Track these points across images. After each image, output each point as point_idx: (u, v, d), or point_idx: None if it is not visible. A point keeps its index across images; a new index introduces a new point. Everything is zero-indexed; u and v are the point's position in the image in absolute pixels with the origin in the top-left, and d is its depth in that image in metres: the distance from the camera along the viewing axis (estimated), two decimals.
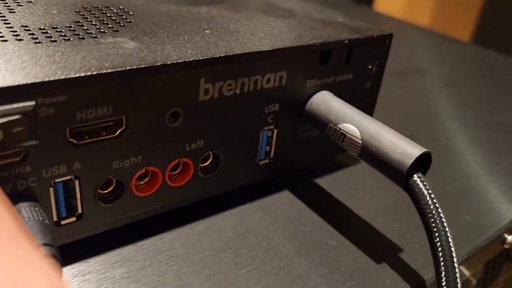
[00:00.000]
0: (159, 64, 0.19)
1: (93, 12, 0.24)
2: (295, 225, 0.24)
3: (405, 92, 0.43)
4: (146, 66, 0.19)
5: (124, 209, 0.21)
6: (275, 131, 0.25)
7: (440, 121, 0.38)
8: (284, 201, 0.26)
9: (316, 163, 0.29)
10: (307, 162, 0.28)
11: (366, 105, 0.28)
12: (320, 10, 0.29)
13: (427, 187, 0.21)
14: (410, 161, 0.21)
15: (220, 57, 0.20)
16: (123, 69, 0.18)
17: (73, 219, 0.20)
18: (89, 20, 0.23)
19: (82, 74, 0.17)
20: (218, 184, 0.24)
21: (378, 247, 0.24)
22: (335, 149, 0.29)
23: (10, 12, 0.23)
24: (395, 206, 0.27)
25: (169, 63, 0.19)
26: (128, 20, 0.23)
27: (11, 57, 0.18)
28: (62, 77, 0.17)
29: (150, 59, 0.19)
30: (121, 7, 0.25)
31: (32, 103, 0.17)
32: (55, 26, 0.21)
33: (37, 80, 0.17)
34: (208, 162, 0.23)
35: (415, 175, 0.21)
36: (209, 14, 0.26)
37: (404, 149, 0.21)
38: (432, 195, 0.21)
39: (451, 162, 0.32)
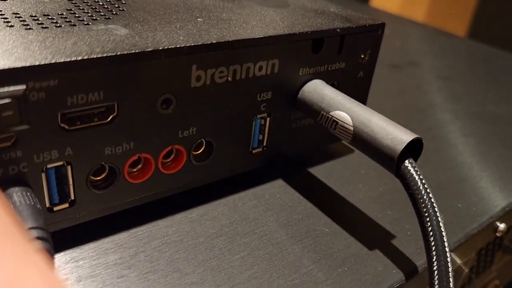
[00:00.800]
0: (150, 49, 0.19)
1: (85, 1, 0.24)
2: (288, 212, 0.24)
3: (398, 84, 0.43)
4: (137, 51, 0.19)
5: (117, 196, 0.21)
6: (268, 119, 0.25)
7: (432, 112, 0.38)
8: (277, 189, 0.26)
9: (309, 152, 0.29)
10: (300, 151, 0.28)
11: (359, 94, 0.28)
12: (313, 1, 0.29)
13: (418, 172, 0.21)
14: (401, 147, 0.21)
15: (211, 43, 0.21)
16: (114, 54, 0.18)
17: (66, 205, 0.20)
18: (81, 8, 0.23)
19: (72, 59, 0.17)
20: (211, 172, 0.24)
21: (370, 234, 0.24)
22: (328, 138, 0.29)
23: (1, 0, 0.23)
24: (387, 194, 0.27)
25: (160, 48, 0.19)
26: (120, 9, 0.23)
27: (1, 42, 0.18)
28: (53, 61, 0.17)
29: (141, 44, 0.19)
30: None
31: (23, 87, 0.17)
32: (46, 14, 0.21)
33: (28, 64, 0.17)
34: (201, 150, 0.23)
35: (406, 161, 0.21)
36: (202, 3, 0.26)
37: (395, 135, 0.21)
38: (424, 181, 0.21)
39: (443, 152, 0.33)
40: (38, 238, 0.16)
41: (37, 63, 0.17)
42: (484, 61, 0.53)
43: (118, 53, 0.18)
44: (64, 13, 0.22)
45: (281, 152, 0.26)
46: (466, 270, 0.28)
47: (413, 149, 0.22)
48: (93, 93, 0.19)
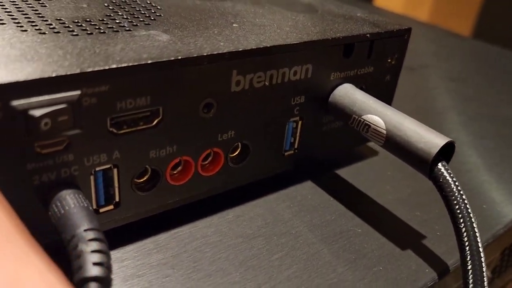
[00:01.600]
0: (194, 55, 0.20)
1: (122, 6, 0.24)
2: (320, 213, 0.25)
3: (411, 86, 0.44)
4: (182, 57, 0.19)
5: (159, 198, 0.22)
6: (300, 122, 0.25)
7: (447, 114, 0.39)
8: (308, 191, 0.27)
9: (337, 154, 0.29)
10: (328, 153, 0.28)
11: (385, 98, 0.28)
12: (339, 6, 0.30)
13: (451, 175, 0.22)
14: (435, 150, 0.22)
15: (251, 49, 0.21)
16: (161, 60, 0.19)
17: (111, 207, 0.21)
18: (119, 14, 0.23)
19: (123, 65, 0.18)
20: (246, 174, 0.24)
21: (401, 234, 0.24)
22: (355, 141, 0.29)
23: (41, 6, 0.23)
24: (414, 196, 0.27)
25: (204, 54, 0.20)
26: (157, 14, 0.24)
27: (53, 49, 0.18)
28: (106, 67, 0.18)
29: (185, 50, 0.20)
30: (148, 1, 0.26)
31: (77, 92, 0.17)
32: (88, 20, 0.22)
33: (82, 71, 0.17)
34: (236, 153, 0.24)
35: (439, 164, 0.22)
36: (233, 8, 0.26)
37: (429, 138, 0.22)
38: (457, 183, 0.22)
39: (461, 154, 0.33)
40: (94, 239, 0.17)
41: (90, 70, 0.17)
42: (495, 62, 0.54)
43: (165, 59, 0.19)
44: (105, 19, 0.22)
45: (310, 155, 0.27)
46: (489, 274, 0.29)
47: (445, 152, 0.22)
48: (141, 98, 0.19)
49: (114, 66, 0.18)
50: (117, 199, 0.21)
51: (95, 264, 0.16)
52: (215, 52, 0.20)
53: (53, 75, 0.17)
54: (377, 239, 0.24)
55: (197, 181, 0.23)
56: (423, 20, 0.78)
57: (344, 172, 0.29)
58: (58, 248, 0.16)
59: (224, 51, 0.20)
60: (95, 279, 0.16)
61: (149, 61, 0.19)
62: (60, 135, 0.18)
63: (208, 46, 0.20)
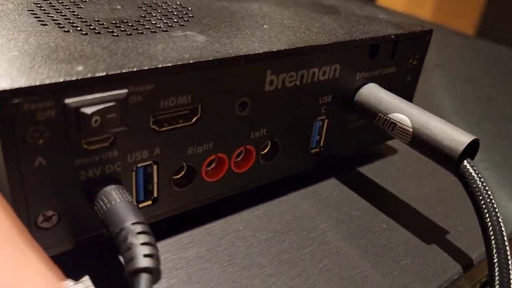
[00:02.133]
0: (232, 55, 0.20)
1: (154, 8, 0.25)
2: (347, 209, 0.26)
3: (426, 86, 0.45)
4: (222, 57, 0.20)
5: (194, 194, 0.22)
6: (326, 121, 0.26)
7: (463, 113, 0.40)
8: (332, 188, 0.27)
9: (359, 152, 0.30)
10: (351, 151, 0.29)
11: (405, 97, 0.29)
12: (361, 8, 0.30)
13: (477, 171, 0.23)
14: (461, 148, 0.22)
15: (285, 50, 0.22)
16: (202, 60, 0.19)
17: (149, 202, 0.21)
18: (153, 15, 0.24)
19: (168, 65, 0.19)
20: (275, 171, 0.25)
21: (425, 230, 0.25)
22: (377, 139, 0.30)
23: (78, 7, 0.24)
24: (435, 193, 0.28)
25: (241, 54, 0.20)
26: (189, 15, 0.24)
27: (98, 49, 0.19)
28: (152, 67, 0.18)
29: (223, 51, 0.20)
30: (178, 3, 0.26)
31: (125, 91, 0.18)
32: (125, 21, 0.23)
33: (129, 70, 0.18)
34: (266, 150, 0.25)
35: (465, 161, 0.23)
36: (261, 10, 0.27)
37: (455, 136, 0.23)
38: (482, 179, 0.22)
39: (480, 152, 0.34)
40: (143, 232, 0.17)
41: (136, 69, 0.18)
42: (504, 62, 0.55)
43: (206, 59, 0.20)
44: (140, 20, 0.23)
45: (335, 152, 0.28)
46: None
47: (469, 149, 0.23)
48: (182, 96, 0.20)
49: (159, 65, 0.18)
50: (155, 194, 0.21)
51: (145, 255, 0.17)
52: (251, 53, 0.21)
53: (103, 74, 0.17)
54: (402, 234, 0.25)
55: (230, 177, 0.23)
56: (426, 19, 0.79)
57: (366, 170, 0.29)
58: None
59: (260, 52, 0.21)
60: (146, 270, 0.17)
61: (191, 61, 0.19)
62: (107, 132, 0.18)
63: (244, 46, 0.21)
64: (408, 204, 0.27)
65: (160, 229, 0.22)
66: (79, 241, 0.20)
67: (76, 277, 0.20)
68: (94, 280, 0.20)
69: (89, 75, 0.17)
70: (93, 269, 0.20)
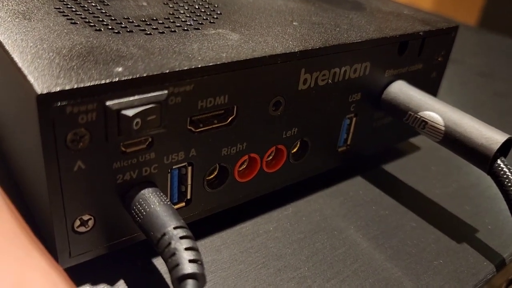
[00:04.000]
0: (269, 54, 0.20)
1: (180, 5, 0.25)
2: (375, 208, 0.25)
3: (445, 81, 0.44)
4: (259, 56, 0.20)
5: (226, 195, 0.22)
6: (354, 119, 0.26)
7: (481, 110, 0.40)
8: (359, 186, 0.27)
9: (383, 149, 0.30)
10: (377, 148, 0.29)
11: (430, 94, 0.29)
12: (385, 3, 0.30)
13: (511, 170, 0.22)
14: (496, 146, 0.22)
15: (320, 48, 0.21)
16: (240, 59, 0.19)
17: (183, 204, 0.21)
18: (181, 12, 0.23)
19: (208, 64, 0.18)
20: (304, 170, 0.25)
21: (454, 228, 0.25)
22: (403, 136, 0.30)
23: (104, 5, 0.23)
24: (461, 190, 0.28)
25: (278, 53, 0.20)
26: (217, 12, 0.24)
27: (133, 48, 0.18)
28: (192, 66, 0.18)
29: (260, 49, 0.20)
30: None
31: (165, 92, 0.18)
32: (154, 18, 0.22)
33: (170, 70, 0.17)
34: (296, 149, 0.24)
35: (498, 160, 0.23)
36: (287, 6, 0.26)
37: (489, 135, 0.23)
38: None
39: None
40: (186, 237, 0.17)
41: (176, 70, 0.18)
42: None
43: (243, 59, 0.19)
44: (170, 18, 0.22)
45: (361, 150, 0.27)
46: None
47: (502, 148, 0.23)
48: (220, 96, 0.19)
49: (199, 65, 0.18)
50: (188, 196, 0.21)
51: (190, 261, 0.16)
52: (287, 51, 0.20)
53: (144, 75, 0.17)
54: (432, 233, 0.24)
55: (261, 177, 0.23)
56: (427, 9, 0.78)
57: (390, 167, 0.29)
58: None
59: (295, 50, 0.21)
60: (192, 275, 0.16)
61: (230, 60, 0.19)
62: (146, 134, 0.18)
63: (279, 45, 0.21)
64: (435, 202, 0.27)
65: (192, 230, 0.22)
66: (114, 245, 0.20)
67: (112, 282, 0.19)
68: (129, 285, 0.20)
69: (130, 77, 0.17)
70: (128, 274, 0.20)
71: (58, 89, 0.15)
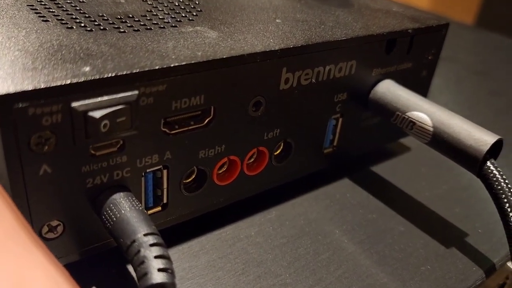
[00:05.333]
0: (248, 53, 0.19)
1: (160, 1, 0.24)
2: (361, 212, 0.25)
3: (439, 79, 0.44)
4: (237, 55, 0.19)
5: (205, 198, 0.21)
6: (340, 119, 0.25)
7: (476, 108, 0.39)
8: (346, 188, 0.26)
9: (371, 150, 0.29)
10: (364, 150, 0.28)
11: (421, 93, 0.28)
12: (374, 0, 0.29)
13: (501, 172, 0.22)
14: (485, 148, 0.21)
15: (302, 46, 0.21)
16: (217, 58, 0.18)
17: (159, 208, 0.20)
18: (159, 9, 0.23)
19: (182, 63, 0.17)
20: (287, 173, 0.24)
21: (443, 232, 0.24)
22: (391, 137, 0.29)
23: (80, 2, 0.22)
24: (451, 192, 0.27)
25: (257, 51, 0.19)
26: (197, 9, 0.23)
27: (104, 47, 0.18)
28: (164, 66, 0.17)
29: (238, 48, 0.19)
30: None
31: (136, 92, 0.17)
32: (130, 15, 0.21)
33: (141, 70, 0.17)
34: (279, 151, 0.23)
35: (488, 162, 0.22)
36: (271, 3, 0.26)
37: (478, 136, 0.22)
38: (507, 180, 0.21)
39: None
40: (156, 244, 0.16)
41: (147, 69, 0.17)
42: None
43: (220, 57, 0.18)
44: (147, 15, 0.22)
45: (348, 152, 0.27)
46: None
47: (492, 149, 0.22)
48: (195, 97, 0.19)
49: (172, 64, 0.17)
50: (164, 200, 0.20)
51: (160, 270, 0.16)
52: (267, 50, 0.20)
53: (112, 74, 0.16)
54: (421, 237, 0.24)
55: (242, 180, 0.22)
56: (424, 8, 0.78)
57: (379, 169, 0.28)
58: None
59: (276, 48, 0.20)
60: (161, 285, 0.15)
61: (206, 59, 0.18)
62: (116, 136, 0.17)
63: (259, 43, 0.20)
64: (424, 205, 0.26)
65: (169, 235, 0.21)
66: (85, 252, 0.19)
67: None
68: None
69: (97, 76, 0.16)
70: (101, 280, 0.19)
71: (19, 89, 0.14)
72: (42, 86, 0.15)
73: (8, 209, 0.13)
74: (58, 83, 0.15)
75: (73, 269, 0.18)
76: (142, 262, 0.16)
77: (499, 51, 0.56)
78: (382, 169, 0.28)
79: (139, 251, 0.16)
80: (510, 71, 0.50)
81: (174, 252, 0.21)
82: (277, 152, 0.23)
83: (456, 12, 1.14)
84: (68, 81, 0.15)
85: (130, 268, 0.20)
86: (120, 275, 0.20)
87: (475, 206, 0.26)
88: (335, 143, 0.25)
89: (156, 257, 0.16)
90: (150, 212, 0.20)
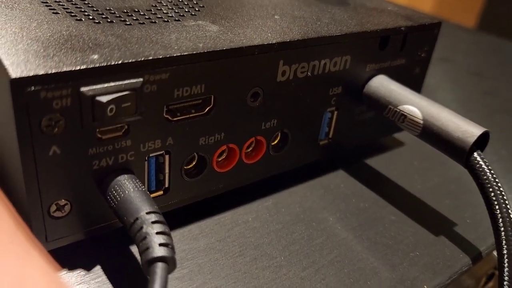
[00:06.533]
0: (246, 45, 0.20)
1: None
2: (355, 201, 0.26)
3: (433, 79, 0.45)
4: (236, 47, 0.20)
5: (204, 184, 0.22)
6: (336, 112, 0.26)
7: (470, 107, 0.40)
8: (340, 179, 0.27)
9: (366, 143, 0.30)
10: (359, 142, 0.29)
11: (414, 89, 0.29)
12: None
13: (487, 163, 0.23)
14: (472, 139, 0.22)
15: (298, 40, 0.22)
16: (217, 49, 0.19)
17: (161, 192, 0.21)
18: (164, 4, 0.24)
19: (184, 53, 0.19)
20: (284, 162, 0.25)
21: (433, 222, 0.25)
22: (386, 131, 0.30)
23: None
24: (442, 185, 0.28)
25: (255, 44, 0.20)
26: (200, 5, 0.24)
27: (112, 38, 0.19)
28: (167, 55, 0.18)
29: (237, 41, 0.20)
30: None
31: (140, 80, 0.18)
32: (136, 10, 0.22)
33: (145, 58, 0.18)
34: (276, 141, 0.24)
35: (475, 153, 0.23)
36: (270, 1, 0.27)
37: (465, 128, 0.23)
38: (492, 171, 0.22)
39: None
40: (158, 221, 0.17)
41: (151, 58, 0.18)
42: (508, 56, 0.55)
43: (220, 49, 0.19)
44: (151, 9, 0.23)
45: (343, 144, 0.28)
46: None
47: (479, 142, 0.23)
48: (196, 86, 0.20)
49: (174, 54, 0.18)
50: (166, 185, 0.21)
51: (161, 245, 0.17)
52: (265, 43, 0.21)
53: (119, 62, 0.17)
54: (411, 226, 0.25)
55: (240, 168, 0.23)
56: (427, 11, 0.79)
57: (373, 162, 0.29)
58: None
59: (273, 42, 0.21)
60: (162, 259, 0.17)
61: (206, 50, 0.19)
62: (121, 121, 0.18)
63: (257, 36, 0.21)
64: (416, 197, 0.27)
65: (170, 219, 0.22)
66: (90, 231, 0.20)
67: (88, 267, 0.20)
68: (105, 270, 0.20)
69: (104, 64, 0.17)
70: (104, 259, 0.20)
71: (31, 73, 0.16)
72: (53, 71, 0.16)
73: (7, 212, 0.13)
74: (68, 69, 0.16)
75: (78, 247, 0.20)
76: (144, 238, 0.17)
77: (498, 53, 0.57)
78: (376, 162, 0.29)
79: (141, 227, 0.17)
80: (506, 72, 0.51)
81: (175, 235, 0.22)
82: (275, 142, 0.24)
83: (458, 15, 1.15)
84: (78, 67, 0.16)
85: (132, 248, 0.21)
86: (123, 255, 0.21)
87: (464, 198, 0.27)
88: (330, 135, 0.27)
89: (157, 233, 0.17)
90: (152, 195, 0.21)
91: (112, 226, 0.20)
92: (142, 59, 0.18)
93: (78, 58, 0.17)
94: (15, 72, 0.15)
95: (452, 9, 1.22)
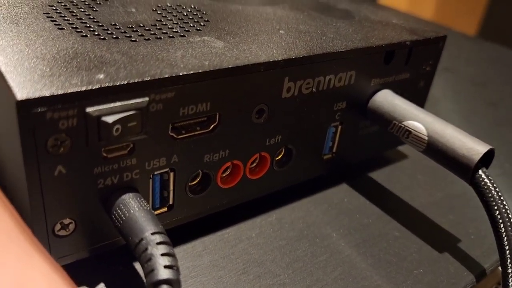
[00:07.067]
0: (252, 63, 0.20)
1: (169, 11, 0.25)
2: (358, 216, 0.26)
3: (438, 90, 0.45)
4: (242, 65, 0.20)
5: (209, 201, 0.22)
6: (340, 127, 0.26)
7: (473, 118, 0.40)
8: (343, 194, 0.27)
9: (369, 158, 0.30)
10: (363, 156, 0.29)
11: (418, 103, 0.29)
12: (374, 12, 0.30)
13: (492, 181, 0.23)
14: (477, 157, 0.22)
15: (303, 57, 0.22)
16: (223, 67, 0.19)
17: (165, 209, 0.21)
18: (169, 19, 0.24)
19: (189, 72, 0.18)
20: (288, 177, 0.25)
21: (437, 237, 0.25)
22: (389, 144, 0.30)
23: (93, 10, 0.23)
24: (446, 200, 0.28)
25: (261, 61, 0.20)
26: (205, 19, 0.24)
27: (117, 55, 0.19)
28: (173, 74, 0.18)
29: (243, 58, 0.20)
30: (192, 6, 0.26)
31: (146, 99, 0.18)
32: (141, 25, 0.22)
33: (151, 78, 0.18)
34: (280, 156, 0.24)
35: (480, 170, 0.23)
36: (275, 14, 0.27)
37: (471, 145, 0.23)
38: (498, 189, 0.22)
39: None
40: (163, 242, 0.17)
41: (157, 77, 0.18)
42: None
43: (226, 67, 0.19)
44: (157, 24, 0.23)
45: (346, 158, 0.28)
46: None
47: (484, 158, 0.23)
48: (202, 104, 0.20)
49: (180, 73, 0.18)
50: (170, 202, 0.21)
51: (166, 267, 0.17)
52: (271, 60, 0.21)
53: (125, 82, 0.17)
54: (415, 242, 0.25)
55: (245, 184, 0.23)
56: (428, 18, 0.79)
57: (377, 176, 0.29)
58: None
59: (279, 59, 0.21)
60: (167, 281, 0.16)
61: (212, 69, 0.19)
62: (127, 140, 0.18)
63: (263, 53, 0.21)
64: (419, 211, 0.27)
65: (174, 236, 0.22)
66: (94, 249, 0.20)
67: (92, 285, 0.20)
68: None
69: (110, 84, 0.17)
70: (108, 277, 0.20)
71: (37, 95, 0.15)
72: (59, 93, 0.16)
73: (8, 213, 0.13)
74: (74, 90, 0.16)
75: (82, 265, 0.19)
76: (149, 259, 0.17)
77: (501, 62, 0.57)
78: (380, 176, 0.29)
79: (146, 248, 0.17)
80: (510, 82, 0.51)
81: (179, 252, 0.22)
82: (279, 157, 0.24)
83: (459, 23, 1.15)
84: (84, 88, 0.16)
85: (136, 266, 0.21)
86: (127, 272, 0.21)
87: (468, 213, 0.27)
88: (334, 150, 0.26)
89: (162, 254, 0.17)
90: (156, 212, 0.21)
91: (116, 243, 0.20)
92: (148, 78, 0.18)
93: (84, 78, 0.17)
94: (21, 93, 0.15)
95: (452, 17, 1.22)
